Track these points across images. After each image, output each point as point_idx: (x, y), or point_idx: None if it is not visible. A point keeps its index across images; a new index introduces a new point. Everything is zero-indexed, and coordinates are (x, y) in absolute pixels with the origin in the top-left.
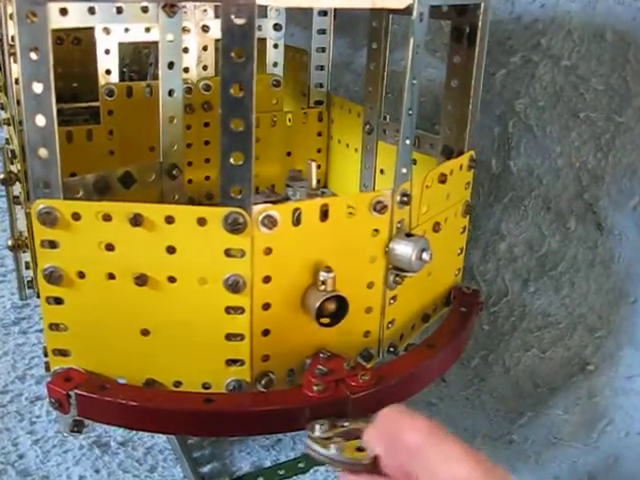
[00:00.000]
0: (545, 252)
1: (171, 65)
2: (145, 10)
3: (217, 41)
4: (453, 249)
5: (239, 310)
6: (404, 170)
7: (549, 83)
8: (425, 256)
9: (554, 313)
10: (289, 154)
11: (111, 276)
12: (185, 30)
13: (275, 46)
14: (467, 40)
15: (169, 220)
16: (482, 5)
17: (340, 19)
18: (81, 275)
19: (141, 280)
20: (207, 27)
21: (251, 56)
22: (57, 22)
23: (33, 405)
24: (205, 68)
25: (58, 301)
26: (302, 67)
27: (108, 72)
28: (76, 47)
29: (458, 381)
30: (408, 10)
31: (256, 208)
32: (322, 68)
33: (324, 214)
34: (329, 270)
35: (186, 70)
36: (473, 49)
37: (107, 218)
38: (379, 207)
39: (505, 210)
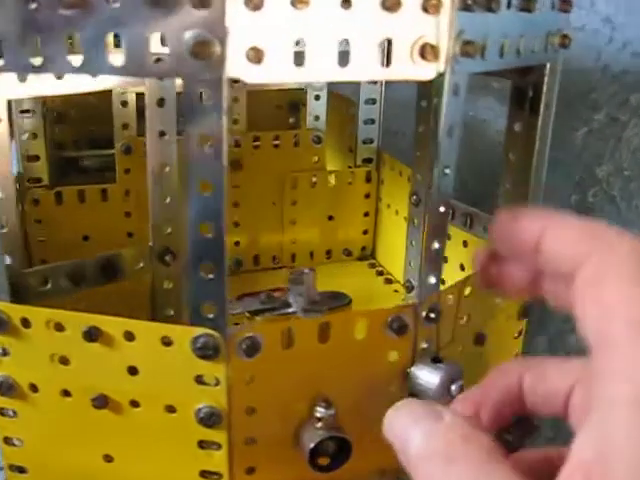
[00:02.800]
0: None
1: (162, 134)
2: None
3: (249, 92)
4: (502, 358)
5: (215, 445)
6: (432, 279)
7: (638, 148)
8: (454, 389)
9: None
10: (331, 218)
11: (66, 393)
12: None
13: (317, 97)
14: (530, 105)
15: (129, 337)
16: (547, 66)
17: None
18: (34, 388)
19: (100, 402)
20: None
21: (220, 148)
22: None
23: None
24: (236, 122)
25: (13, 413)
26: (349, 119)
27: (125, 127)
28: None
29: None
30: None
31: (234, 330)
32: (372, 122)
33: (324, 334)
34: (328, 405)
35: None
36: (536, 117)
37: (59, 328)
38: (397, 326)
39: None
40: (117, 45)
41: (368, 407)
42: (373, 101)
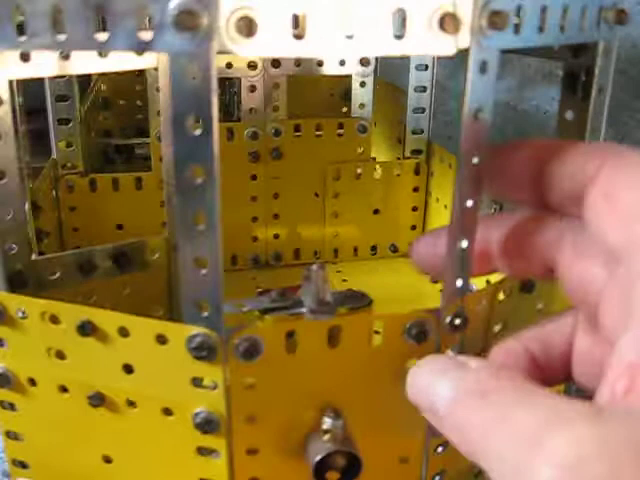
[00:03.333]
0: None
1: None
2: None
3: (290, 77)
4: None
5: (214, 453)
6: (459, 282)
7: None
8: None
9: None
10: (377, 212)
11: (64, 389)
12: (250, 65)
13: (362, 84)
14: (582, 90)
15: (123, 332)
16: (601, 44)
17: None
18: (32, 382)
19: (96, 400)
20: (278, 62)
21: (210, 130)
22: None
23: None
24: (276, 109)
25: (12, 407)
26: (398, 108)
27: (159, 113)
28: (137, 78)
29: None
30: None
31: (231, 330)
32: (422, 111)
33: (333, 338)
34: (336, 416)
35: (251, 111)
36: (588, 103)
37: (54, 320)
38: (417, 333)
39: None
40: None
41: (382, 420)
42: (423, 88)
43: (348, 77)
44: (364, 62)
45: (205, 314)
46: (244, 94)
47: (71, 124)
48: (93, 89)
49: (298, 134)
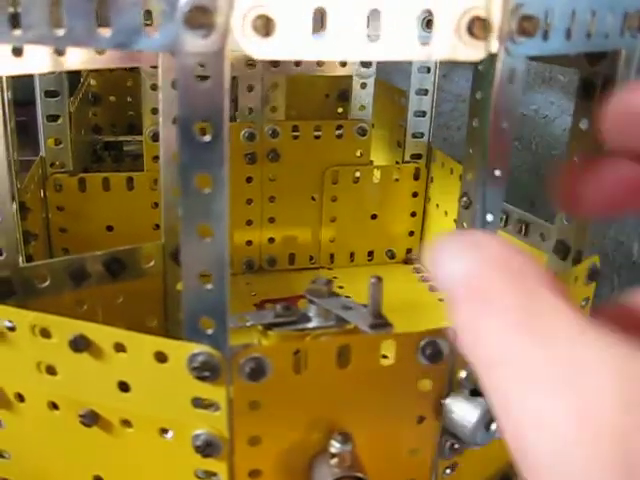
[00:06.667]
0: None
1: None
2: None
3: (293, 79)
4: None
5: (214, 477)
6: None
7: None
8: (494, 427)
9: None
10: (374, 217)
11: (54, 406)
12: (249, 64)
13: (363, 86)
14: (600, 99)
15: (119, 349)
16: (623, 52)
17: None
18: (20, 398)
19: (89, 418)
20: (277, 62)
21: (220, 136)
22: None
23: None
24: (274, 109)
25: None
26: (398, 111)
27: (155, 111)
28: (129, 73)
29: None
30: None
31: (237, 349)
32: (423, 114)
33: (343, 358)
34: (345, 439)
35: (250, 111)
36: None
37: (45, 334)
38: (431, 352)
39: None
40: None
41: (393, 443)
42: (425, 92)
43: (345, 78)
44: (365, 63)
45: (209, 331)
46: (241, 93)
47: (60, 121)
48: (83, 84)
49: (296, 135)
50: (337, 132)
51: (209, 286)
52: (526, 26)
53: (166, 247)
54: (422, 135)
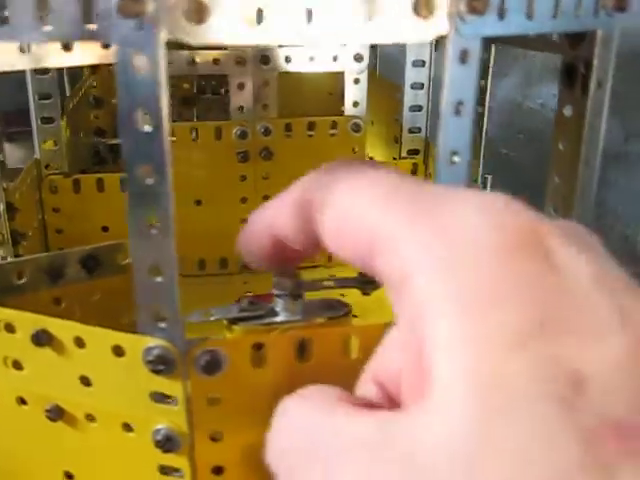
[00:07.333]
0: None
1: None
2: None
3: (281, 74)
4: None
5: (177, 472)
6: None
7: None
8: None
9: None
10: None
11: (22, 401)
12: (238, 62)
13: (356, 81)
14: (582, 85)
15: (79, 343)
16: (599, 33)
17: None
18: None
19: (54, 413)
20: (268, 58)
21: (160, 126)
22: None
23: None
24: (265, 107)
25: None
26: (394, 106)
27: None
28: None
29: None
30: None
31: (192, 343)
32: (419, 109)
33: (304, 351)
34: None
35: (241, 109)
36: (586, 99)
37: (10, 329)
38: None
39: None
40: None
41: None
42: (420, 85)
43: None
44: (358, 58)
45: (162, 325)
46: (232, 92)
47: (54, 123)
48: (82, 86)
49: (289, 133)
50: (331, 128)
51: (159, 279)
52: (476, 5)
53: None
54: (419, 130)
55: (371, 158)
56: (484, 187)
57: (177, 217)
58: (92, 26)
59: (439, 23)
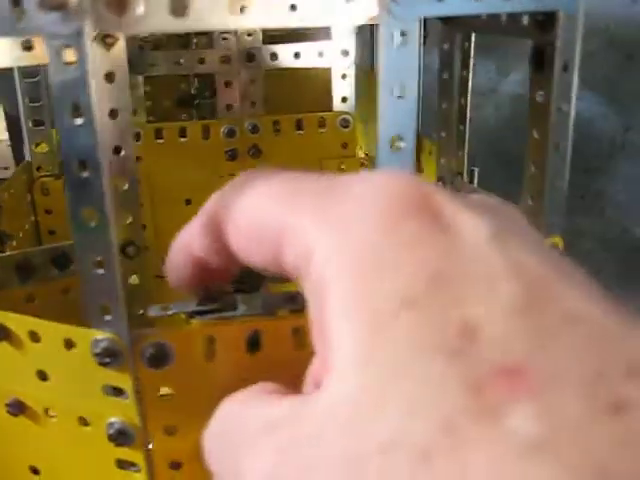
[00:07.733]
0: None
1: (114, 113)
2: None
3: (267, 71)
4: None
5: (133, 467)
6: None
7: None
8: None
9: None
10: None
11: None
12: (223, 60)
13: (343, 77)
14: (551, 69)
15: (34, 337)
16: (561, 15)
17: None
18: None
19: (15, 408)
20: (253, 55)
21: (90, 120)
22: None
23: None
24: (253, 105)
25: None
26: None
27: (135, 113)
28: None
29: None
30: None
31: (137, 334)
32: None
33: (254, 344)
34: None
35: (229, 107)
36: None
37: None
38: None
39: None
40: None
41: None
42: None
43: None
44: (344, 53)
45: (107, 317)
46: (219, 90)
47: (45, 126)
48: None
49: (278, 130)
50: (319, 124)
51: (101, 271)
52: None
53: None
54: None
55: (367, 155)
56: (470, 181)
57: (168, 216)
58: (21, 22)
59: (369, 5)
